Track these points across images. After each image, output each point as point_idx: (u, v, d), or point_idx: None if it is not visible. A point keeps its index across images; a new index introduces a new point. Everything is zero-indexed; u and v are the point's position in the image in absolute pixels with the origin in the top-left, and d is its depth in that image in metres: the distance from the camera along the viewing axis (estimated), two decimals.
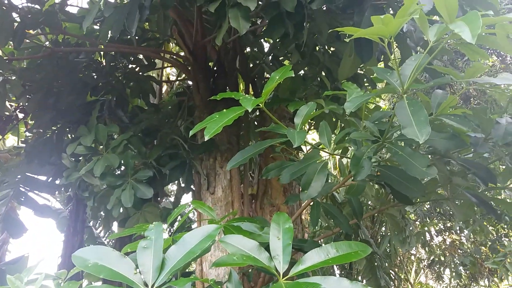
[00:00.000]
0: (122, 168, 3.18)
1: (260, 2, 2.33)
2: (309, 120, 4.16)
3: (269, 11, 2.17)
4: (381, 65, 2.65)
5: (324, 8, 2.37)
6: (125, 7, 2.07)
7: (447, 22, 1.38)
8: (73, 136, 3.23)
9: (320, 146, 2.16)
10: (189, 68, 3.23)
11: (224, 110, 1.73)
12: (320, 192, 1.90)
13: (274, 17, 2.17)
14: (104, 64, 3.60)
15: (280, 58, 3.44)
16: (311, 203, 2.30)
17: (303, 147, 3.81)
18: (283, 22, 2.18)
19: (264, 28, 2.65)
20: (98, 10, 2.17)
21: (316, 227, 4.12)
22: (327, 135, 2.10)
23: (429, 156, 2.27)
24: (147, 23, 3.65)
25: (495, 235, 6.21)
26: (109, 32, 2.17)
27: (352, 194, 2.11)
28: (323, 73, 2.90)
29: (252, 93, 3.43)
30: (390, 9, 2.23)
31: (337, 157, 4.92)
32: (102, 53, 3.60)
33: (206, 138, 1.59)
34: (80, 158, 3.12)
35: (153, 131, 3.21)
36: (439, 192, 2.87)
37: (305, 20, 2.25)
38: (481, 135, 2.14)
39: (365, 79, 2.96)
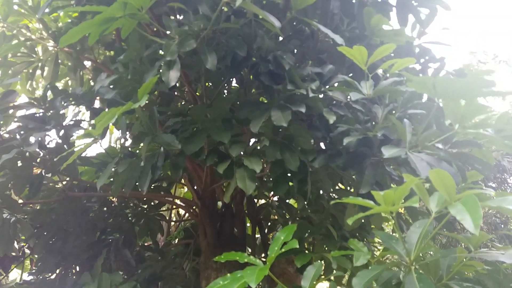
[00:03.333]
0: None
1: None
2: None
3: (274, 170, 2.29)
4: None
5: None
6: (139, 165, 2.20)
7: (447, 201, 1.43)
8: (77, 282, 3.14)
9: None
10: (197, 211, 3.29)
11: (228, 275, 1.71)
12: None
13: (279, 176, 2.28)
14: (116, 203, 3.70)
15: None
16: None
17: None
18: (288, 179, 2.28)
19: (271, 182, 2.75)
20: (113, 166, 2.30)
21: None
22: None
23: None
24: None
25: None
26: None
27: None
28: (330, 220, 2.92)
29: (258, 235, 3.43)
30: (387, 165, 2.32)
31: None
32: None
33: None
34: None
35: (157, 278, 3.12)
36: None
37: (308, 176, 2.35)
38: None
39: (372, 226, 2.96)
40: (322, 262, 2.61)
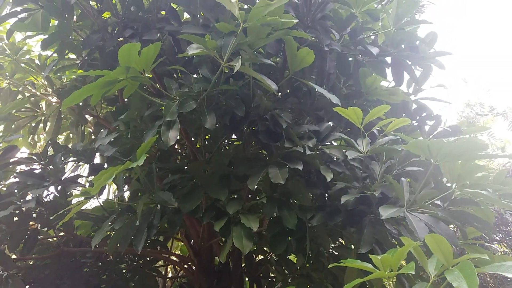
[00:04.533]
0: None
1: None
2: None
3: (271, 228, 2.27)
4: None
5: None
6: (135, 223, 2.19)
7: (444, 267, 1.41)
8: None
9: None
10: (193, 267, 3.21)
11: None
12: None
13: (276, 234, 2.25)
14: (111, 258, 3.61)
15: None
16: None
17: None
18: (285, 237, 2.25)
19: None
20: (109, 223, 2.28)
21: None
22: None
23: None
24: None
25: None
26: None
27: None
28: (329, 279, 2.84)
29: None
30: (387, 223, 2.30)
31: None
32: None
33: None
34: None
35: None
36: None
37: (307, 233, 2.32)
38: None
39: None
40: None
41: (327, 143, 2.51)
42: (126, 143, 2.30)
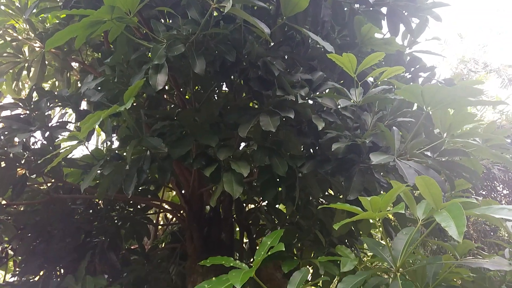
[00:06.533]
0: None
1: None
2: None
3: (261, 175, 2.27)
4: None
5: None
6: (124, 168, 2.17)
7: (433, 210, 1.43)
8: (60, 285, 3.08)
9: None
10: (184, 215, 3.25)
11: (214, 279, 1.69)
12: None
13: (266, 181, 2.26)
14: (102, 206, 3.64)
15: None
16: None
17: None
18: (275, 184, 2.26)
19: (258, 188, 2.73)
20: (98, 168, 2.26)
21: None
22: None
23: None
24: None
25: None
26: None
27: None
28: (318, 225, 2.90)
29: (247, 240, 3.40)
30: (376, 172, 2.32)
31: None
32: None
33: None
34: None
35: (142, 282, 3.08)
36: None
37: (297, 182, 2.34)
38: None
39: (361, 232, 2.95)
40: (310, 268, 2.60)
41: (319, 92, 2.46)
42: (112, 88, 2.23)
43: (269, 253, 1.65)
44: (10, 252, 4.30)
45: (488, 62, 11.28)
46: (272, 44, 2.72)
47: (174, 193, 4.58)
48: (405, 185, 1.52)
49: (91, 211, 3.58)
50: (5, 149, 2.46)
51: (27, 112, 2.69)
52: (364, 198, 1.51)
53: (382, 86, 2.36)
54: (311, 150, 2.70)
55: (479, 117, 6.99)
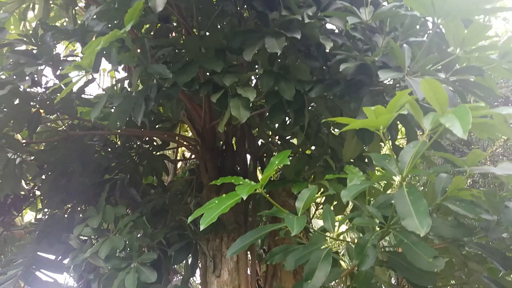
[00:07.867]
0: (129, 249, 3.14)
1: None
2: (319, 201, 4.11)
3: (269, 100, 2.25)
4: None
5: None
6: (132, 98, 2.18)
7: (438, 114, 1.39)
8: (82, 216, 3.25)
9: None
10: (198, 148, 3.31)
11: (224, 195, 1.74)
12: (324, 282, 1.80)
13: (274, 105, 2.25)
14: (119, 144, 3.73)
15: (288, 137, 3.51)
16: None
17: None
18: (283, 109, 2.25)
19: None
20: (106, 100, 2.28)
21: None
22: (331, 219, 2.04)
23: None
24: (161, 107, 3.83)
25: None
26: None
27: (360, 283, 1.99)
28: (329, 153, 2.92)
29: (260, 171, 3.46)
30: (385, 94, 2.27)
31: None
32: None
33: (202, 228, 1.59)
34: (86, 239, 3.11)
35: (161, 210, 3.21)
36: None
37: (305, 106, 2.32)
38: (494, 217, 2.05)
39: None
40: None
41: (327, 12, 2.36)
42: (114, 16, 2.19)
43: (278, 163, 1.67)
44: (38, 192, 4.54)
45: None
46: None
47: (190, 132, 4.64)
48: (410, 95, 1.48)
49: (109, 149, 3.67)
50: (17, 84, 2.49)
51: (35, 48, 2.69)
52: (368, 107, 1.48)
53: (393, 3, 2.24)
54: (320, 75, 2.65)
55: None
